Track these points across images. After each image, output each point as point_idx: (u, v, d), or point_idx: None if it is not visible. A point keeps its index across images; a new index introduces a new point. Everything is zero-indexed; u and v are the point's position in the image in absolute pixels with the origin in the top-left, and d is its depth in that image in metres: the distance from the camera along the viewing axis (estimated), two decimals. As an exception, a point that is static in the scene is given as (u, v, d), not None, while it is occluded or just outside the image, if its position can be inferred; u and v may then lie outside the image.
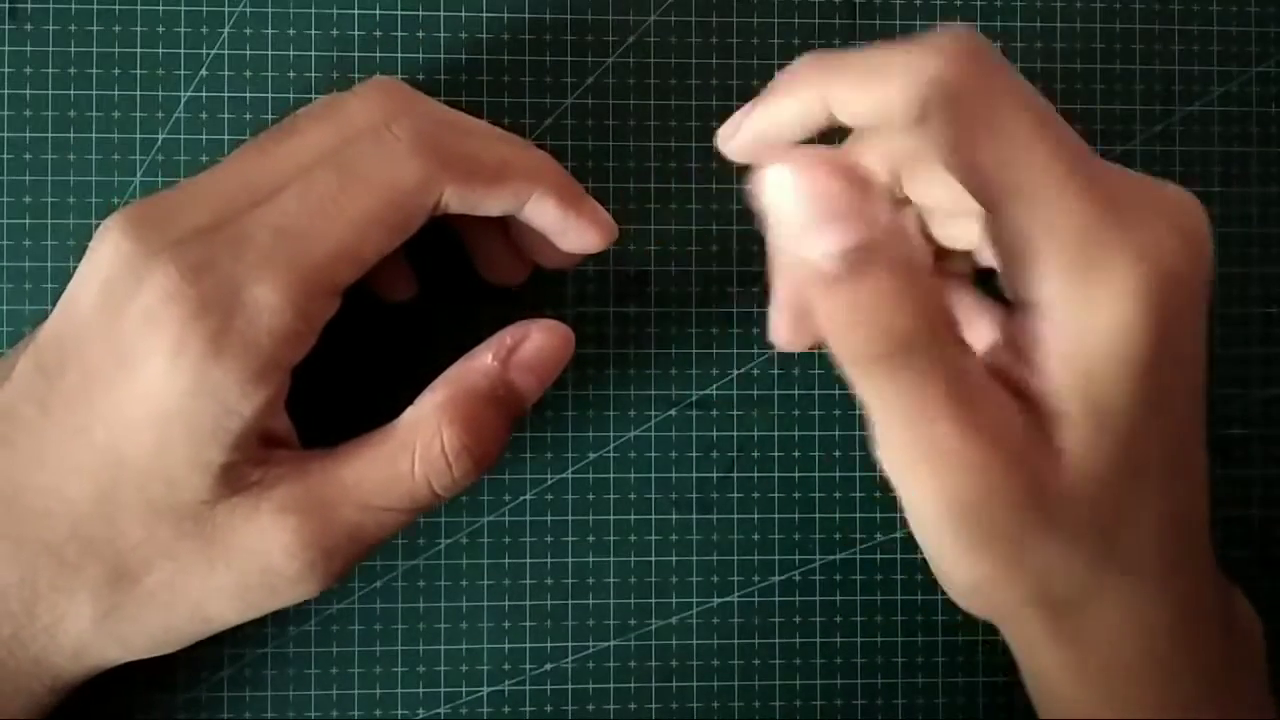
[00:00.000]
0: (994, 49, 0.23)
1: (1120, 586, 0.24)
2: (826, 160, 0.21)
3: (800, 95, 0.25)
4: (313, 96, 0.31)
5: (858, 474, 0.32)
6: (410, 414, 0.26)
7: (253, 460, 0.25)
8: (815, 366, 0.32)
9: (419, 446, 0.26)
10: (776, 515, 0.32)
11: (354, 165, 0.25)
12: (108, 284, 0.25)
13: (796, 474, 0.32)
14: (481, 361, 0.27)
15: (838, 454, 0.32)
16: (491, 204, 0.27)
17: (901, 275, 0.21)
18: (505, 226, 0.30)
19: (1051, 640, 0.25)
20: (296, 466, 0.26)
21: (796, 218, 0.21)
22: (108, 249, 0.25)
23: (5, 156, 0.31)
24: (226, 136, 0.31)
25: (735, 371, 0.32)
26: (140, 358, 0.24)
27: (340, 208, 0.25)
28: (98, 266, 0.25)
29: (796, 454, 0.32)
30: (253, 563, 0.25)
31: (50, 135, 0.31)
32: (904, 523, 0.26)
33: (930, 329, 0.22)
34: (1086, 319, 0.22)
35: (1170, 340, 0.22)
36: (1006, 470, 0.22)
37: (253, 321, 0.24)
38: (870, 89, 0.23)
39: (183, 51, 0.31)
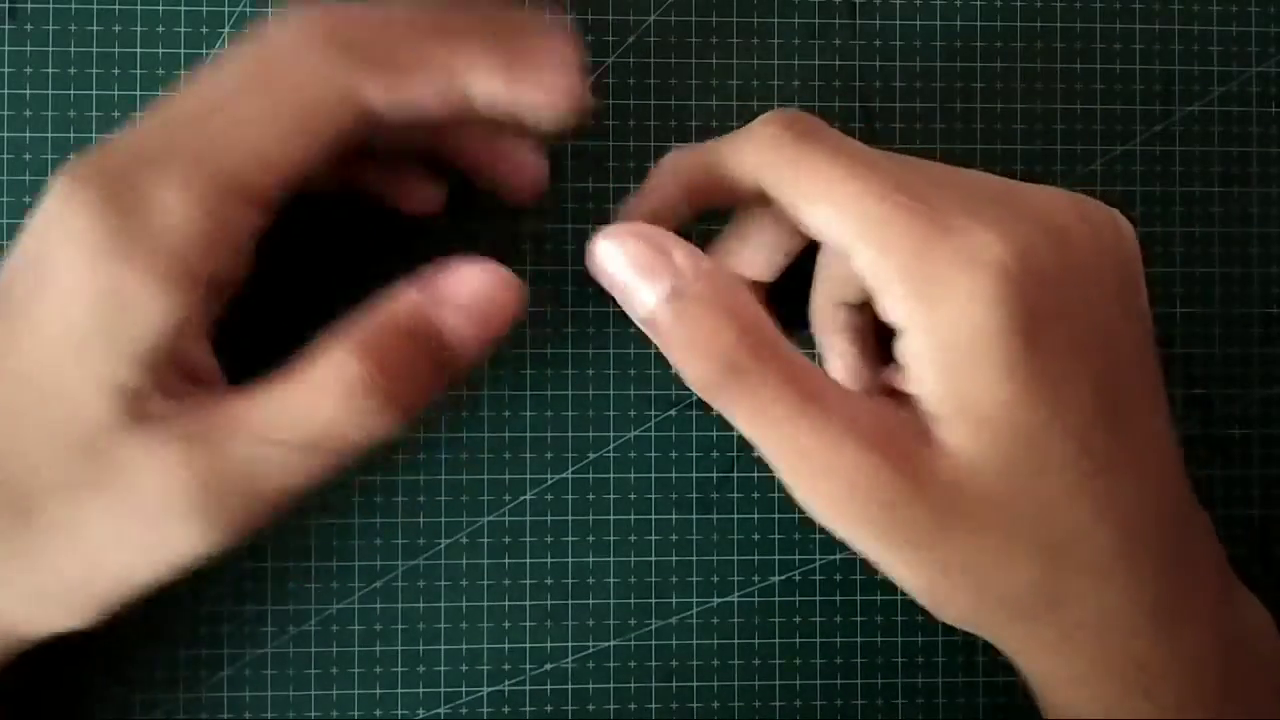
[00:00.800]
0: (807, 116, 0.25)
1: (1082, 586, 0.24)
2: (628, 229, 0.24)
3: (668, 192, 0.27)
4: (313, 96, 0.31)
5: (858, 474, 0.32)
6: (318, 349, 0.24)
7: (164, 389, 0.24)
8: (815, 366, 0.32)
9: (327, 380, 0.24)
10: (776, 515, 0.32)
11: (266, 74, 0.24)
12: (42, 214, 0.24)
13: (796, 474, 0.32)
14: (403, 294, 0.25)
15: (838, 454, 0.32)
16: (423, 93, 0.25)
17: (713, 308, 0.24)
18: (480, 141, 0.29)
19: (1029, 645, 0.25)
20: (203, 402, 0.24)
21: (616, 281, 0.25)
22: (51, 189, 0.24)
23: (5, 156, 0.31)
24: (226, 136, 0.31)
25: (735, 371, 0.32)
26: (54, 271, 0.24)
27: (250, 115, 0.24)
28: (41, 207, 0.24)
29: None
30: (143, 500, 0.24)
31: (50, 135, 0.31)
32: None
33: (752, 349, 0.24)
34: (939, 333, 0.23)
35: (1039, 334, 0.23)
36: (878, 467, 0.23)
37: (161, 221, 0.23)
38: (718, 183, 0.26)
39: (183, 51, 0.31)
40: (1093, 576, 0.24)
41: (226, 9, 0.31)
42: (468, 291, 0.25)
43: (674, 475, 0.32)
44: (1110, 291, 0.24)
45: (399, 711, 0.32)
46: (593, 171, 0.32)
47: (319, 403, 0.24)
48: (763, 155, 0.25)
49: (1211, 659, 0.25)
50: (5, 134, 0.31)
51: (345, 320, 0.24)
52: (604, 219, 0.32)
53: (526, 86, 0.25)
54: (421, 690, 0.32)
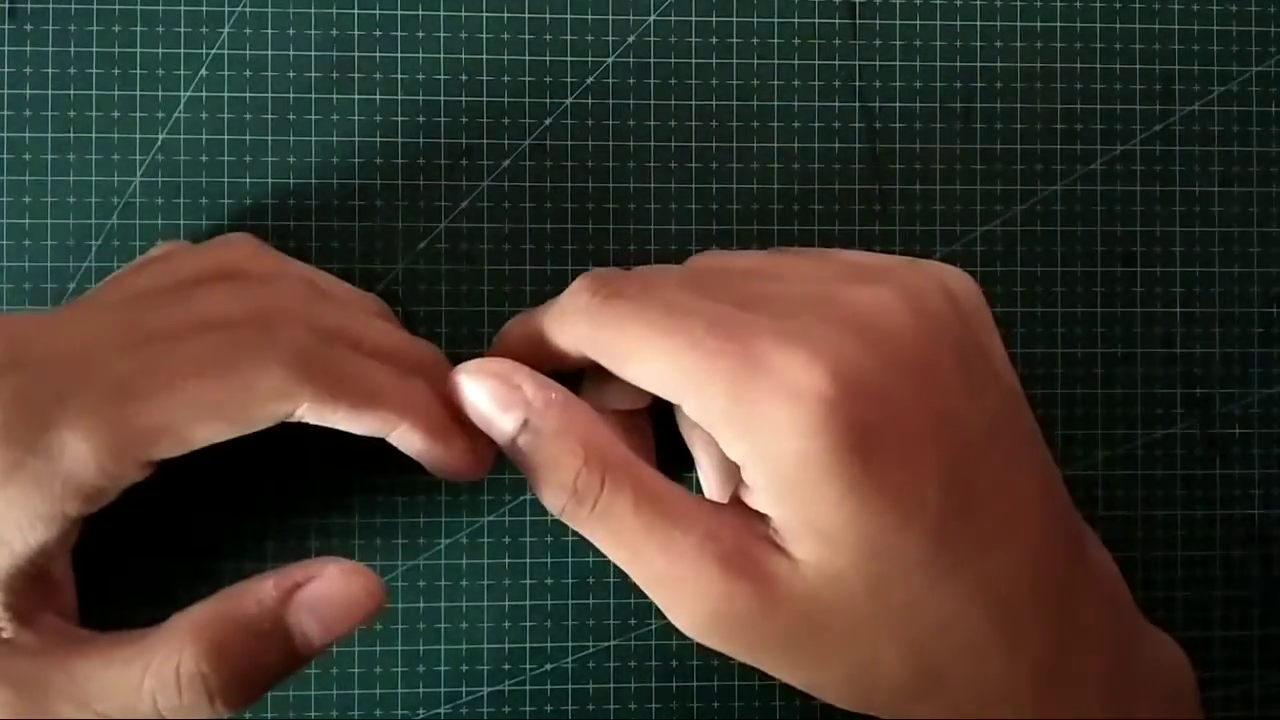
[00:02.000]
0: (614, 276, 0.27)
1: (962, 668, 0.24)
2: (485, 365, 0.26)
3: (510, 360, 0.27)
4: (312, 97, 0.31)
5: (858, 474, 0.32)
6: (170, 620, 0.24)
7: (15, 611, 0.24)
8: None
9: (156, 659, 0.23)
10: (776, 515, 0.32)
11: (219, 349, 0.25)
12: None
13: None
14: (260, 588, 0.24)
15: (838, 454, 0.32)
16: (354, 427, 0.26)
17: (560, 439, 0.25)
18: None
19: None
20: (44, 639, 0.24)
21: (476, 416, 0.26)
22: None
23: (5, 156, 0.31)
24: (226, 137, 0.31)
25: (735, 371, 0.32)
26: None
27: (186, 385, 0.24)
28: None
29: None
30: None
31: (50, 135, 0.31)
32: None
33: (599, 474, 0.24)
34: (771, 466, 0.23)
35: (871, 447, 0.23)
36: (733, 589, 0.24)
37: (52, 465, 0.23)
38: (550, 353, 0.27)
39: (183, 51, 0.31)
40: (970, 657, 0.24)
41: (226, 9, 0.31)
42: (324, 595, 0.24)
43: (673, 475, 0.32)
44: (947, 370, 0.24)
45: (399, 711, 0.32)
46: (592, 172, 0.32)
47: (153, 689, 0.23)
48: (578, 329, 0.26)
49: (1107, 714, 0.25)
50: (5, 134, 0.31)
51: (200, 600, 0.24)
52: (604, 219, 0.32)
53: (440, 449, 0.26)
54: (421, 690, 0.32)
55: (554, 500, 0.25)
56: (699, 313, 0.24)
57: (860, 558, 0.23)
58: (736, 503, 0.25)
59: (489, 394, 0.25)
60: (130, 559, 0.30)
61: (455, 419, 0.26)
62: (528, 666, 0.32)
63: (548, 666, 0.32)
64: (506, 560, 0.32)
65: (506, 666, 0.32)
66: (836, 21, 0.33)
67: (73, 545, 0.25)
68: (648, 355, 0.25)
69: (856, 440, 0.23)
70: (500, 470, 0.31)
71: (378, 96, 0.32)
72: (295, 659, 0.24)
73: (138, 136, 0.31)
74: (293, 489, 0.31)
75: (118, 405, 0.24)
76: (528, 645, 0.32)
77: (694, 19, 0.32)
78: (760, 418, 0.23)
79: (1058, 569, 0.25)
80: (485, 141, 0.32)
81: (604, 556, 0.32)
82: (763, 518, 0.24)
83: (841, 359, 0.23)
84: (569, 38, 0.32)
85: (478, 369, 0.26)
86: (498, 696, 0.32)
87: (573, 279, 0.32)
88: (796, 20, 0.33)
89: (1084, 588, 0.25)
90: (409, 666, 0.32)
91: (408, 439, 0.26)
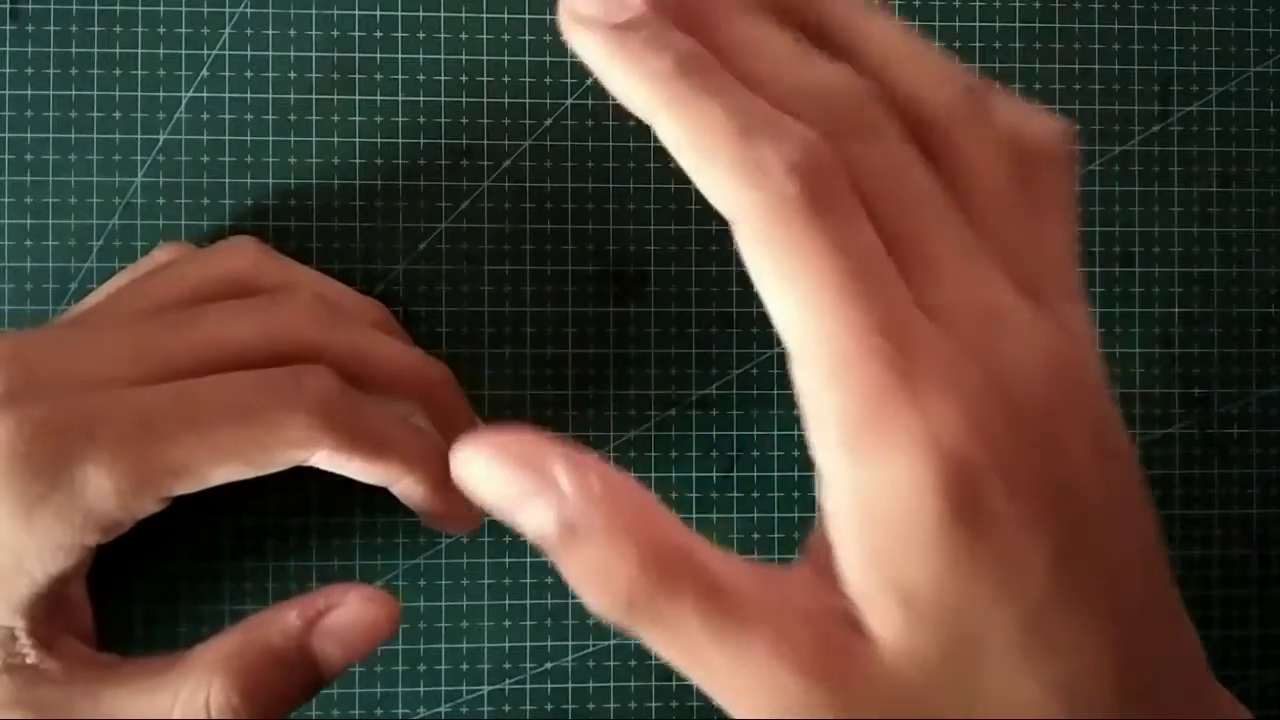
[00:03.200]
0: (833, 171, 0.21)
1: None
2: (500, 444, 0.21)
3: (636, 93, 0.23)
4: (313, 97, 0.31)
5: (857, 474, 0.32)
6: (197, 651, 0.25)
7: (35, 635, 0.24)
8: (815, 366, 0.32)
9: (185, 690, 0.24)
10: (776, 515, 0.32)
11: (246, 392, 0.25)
12: None
13: (796, 474, 0.32)
14: (285, 617, 0.25)
15: (837, 454, 0.32)
16: (363, 475, 0.26)
17: (608, 540, 0.21)
18: None
19: None
20: (67, 665, 0.25)
21: (491, 506, 0.21)
22: None
23: (6, 157, 0.31)
24: (227, 137, 0.31)
25: (735, 371, 0.32)
26: None
27: (211, 427, 0.24)
28: None
29: (796, 454, 0.32)
30: None
31: (51, 135, 0.31)
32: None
33: (657, 578, 0.21)
34: (867, 502, 0.20)
35: (989, 521, 0.20)
36: (809, 689, 0.21)
37: (75, 498, 0.23)
38: (693, 159, 0.22)
39: (183, 52, 0.31)
40: None
41: (227, 9, 0.31)
42: (347, 622, 0.25)
43: (674, 475, 0.32)
44: (1076, 439, 0.22)
45: (399, 711, 0.32)
46: (592, 172, 0.32)
47: (175, 715, 0.24)
48: (744, 228, 0.21)
49: None
50: (6, 134, 0.31)
51: (223, 631, 0.25)
52: (603, 219, 0.32)
53: (440, 505, 0.27)
54: (421, 690, 0.32)
55: (602, 609, 0.21)
56: (886, 293, 0.20)
57: (945, 637, 0.21)
58: (808, 567, 0.22)
59: (517, 482, 0.21)
60: (130, 559, 0.30)
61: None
62: (528, 666, 0.32)
63: (548, 666, 0.32)
64: (506, 560, 0.32)
65: (506, 666, 0.32)
66: (836, 22, 0.33)
67: (88, 569, 0.25)
68: (810, 302, 0.20)
69: (971, 508, 0.20)
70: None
71: (378, 96, 0.32)
72: (319, 684, 0.25)
73: (139, 137, 0.31)
74: (293, 489, 0.31)
75: (142, 444, 0.24)
76: (528, 645, 0.32)
77: (694, 19, 0.32)
78: (884, 445, 0.20)
79: (1147, 658, 0.23)
80: (485, 141, 0.32)
81: (604, 556, 0.32)
82: (835, 585, 0.21)
83: (986, 420, 0.20)
84: (569, 38, 0.32)
85: (492, 449, 0.21)
86: (498, 696, 0.32)
87: (573, 279, 0.32)
88: (796, 21, 0.33)
89: (1169, 672, 0.24)
90: (409, 666, 0.32)
91: (410, 490, 0.27)
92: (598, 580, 0.21)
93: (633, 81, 0.22)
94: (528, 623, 0.32)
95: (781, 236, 0.20)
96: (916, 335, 0.21)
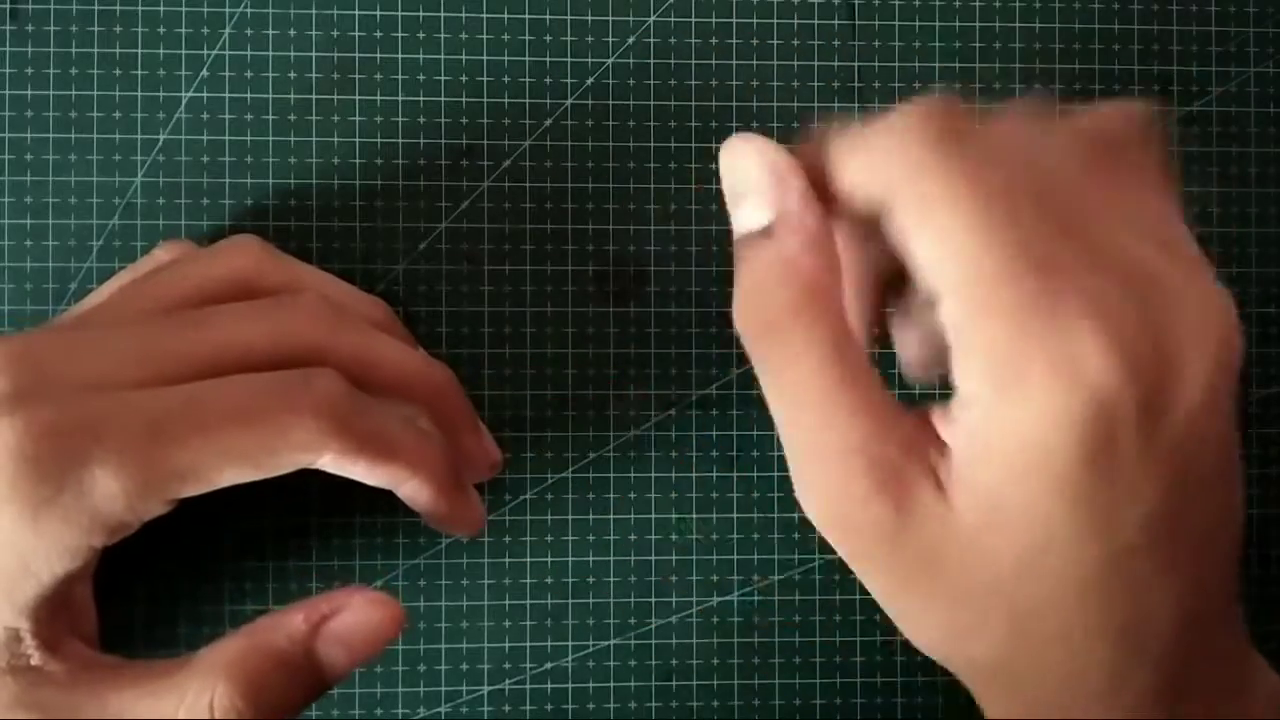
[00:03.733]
0: (962, 115, 0.22)
1: (1049, 678, 0.23)
2: (771, 147, 0.23)
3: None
4: (313, 97, 0.31)
5: (857, 474, 0.32)
6: (201, 654, 0.24)
7: (40, 637, 0.24)
8: (815, 366, 0.32)
9: (190, 693, 0.24)
10: (776, 515, 0.32)
11: (254, 395, 0.25)
12: None
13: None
14: (290, 621, 0.25)
15: (837, 454, 0.32)
16: (368, 478, 0.26)
17: (784, 263, 0.22)
18: None
19: (991, 702, 0.24)
20: (72, 667, 0.24)
21: (728, 186, 0.24)
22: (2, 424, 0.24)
23: (5, 157, 0.31)
24: (227, 137, 0.31)
25: (735, 371, 0.32)
26: None
27: (219, 430, 0.24)
28: None
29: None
30: None
31: (51, 135, 0.31)
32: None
33: (798, 315, 0.22)
34: (1001, 427, 0.21)
35: (1108, 467, 0.21)
36: (870, 496, 0.22)
37: (82, 500, 0.23)
38: (848, 170, 0.23)
39: (183, 52, 0.31)
40: (1069, 674, 0.23)
41: (227, 9, 0.31)
42: (352, 626, 0.25)
43: (674, 475, 0.32)
44: (1221, 417, 0.22)
45: (399, 711, 0.32)
46: (592, 172, 0.32)
47: (180, 718, 0.24)
48: (897, 158, 0.22)
49: None
50: (5, 134, 0.31)
51: (227, 634, 0.25)
52: (603, 219, 0.32)
53: (444, 507, 0.27)
54: (421, 690, 0.32)
55: (747, 321, 0.23)
56: (1031, 222, 0.21)
57: (1021, 547, 0.21)
58: (925, 417, 0.23)
59: (757, 177, 0.23)
60: (131, 560, 0.30)
61: (461, 479, 0.27)
62: (528, 666, 0.32)
63: (548, 666, 0.32)
64: (506, 560, 0.32)
65: (506, 666, 0.32)
66: (836, 22, 0.33)
67: (93, 571, 0.25)
68: (953, 235, 0.21)
69: (1097, 451, 0.21)
70: (500, 470, 0.31)
71: (378, 96, 0.32)
72: (323, 688, 0.25)
73: (139, 137, 0.31)
74: (293, 488, 0.31)
75: (149, 446, 0.24)
76: (528, 645, 0.32)
77: (694, 19, 0.32)
78: (1022, 375, 0.20)
79: (1201, 617, 0.23)
80: (485, 141, 0.32)
81: (604, 556, 0.32)
82: (941, 445, 0.22)
83: (1135, 364, 0.21)
84: (569, 38, 0.32)
85: (761, 146, 0.23)
86: (498, 696, 0.32)
87: (573, 279, 0.32)
88: (796, 20, 0.33)
89: (1218, 632, 0.24)
90: (409, 666, 0.32)
91: (416, 493, 0.27)
92: (759, 291, 0.23)
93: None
94: (528, 623, 0.32)
95: (928, 178, 0.21)
96: (1065, 263, 0.21)
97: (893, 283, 0.26)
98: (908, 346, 0.27)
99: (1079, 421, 0.20)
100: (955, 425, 0.22)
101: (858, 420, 0.22)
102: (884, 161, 0.22)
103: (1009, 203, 0.21)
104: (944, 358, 0.24)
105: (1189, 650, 0.23)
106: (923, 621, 0.24)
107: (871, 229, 0.23)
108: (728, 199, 0.24)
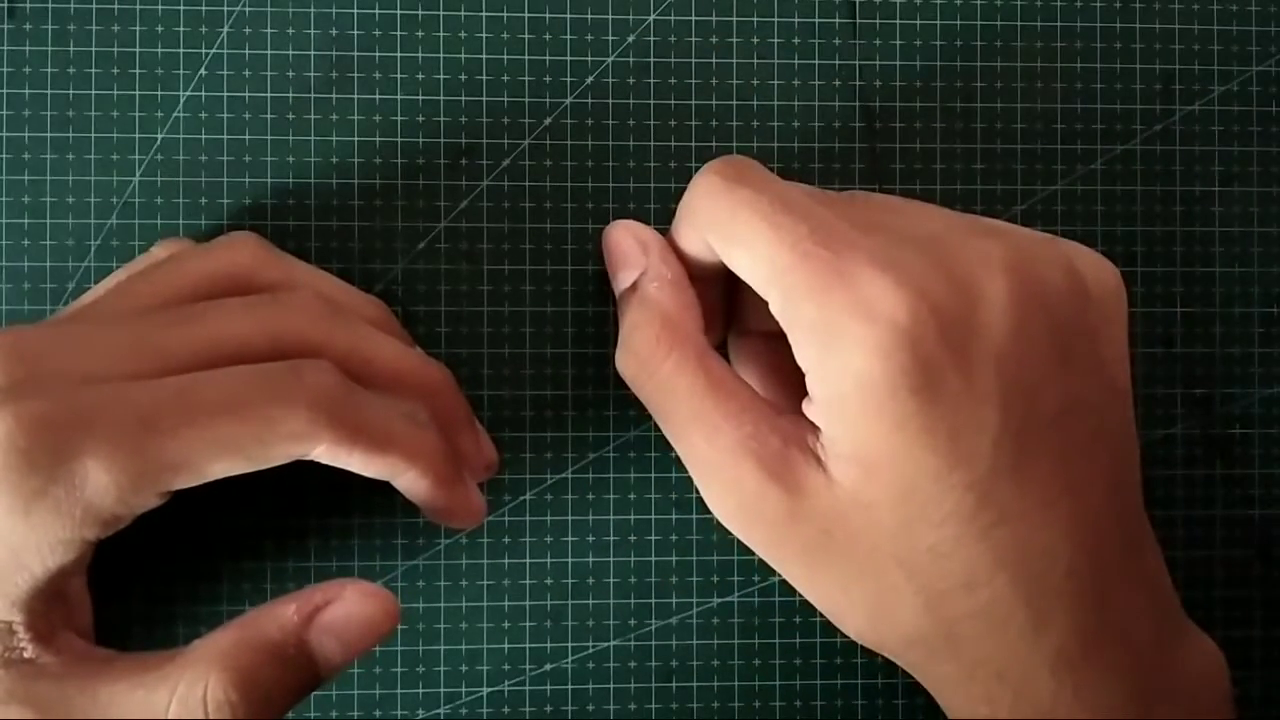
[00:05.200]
0: (741, 161, 0.27)
1: (977, 630, 0.25)
2: (634, 227, 0.29)
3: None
4: (312, 97, 0.31)
5: (858, 474, 0.32)
6: (194, 646, 0.24)
7: (33, 630, 0.24)
8: (815, 366, 0.32)
9: (181, 685, 0.24)
10: (776, 515, 0.32)
11: (246, 387, 0.25)
12: None
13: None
14: (282, 612, 0.24)
15: (838, 454, 0.32)
16: (364, 469, 0.26)
17: (651, 308, 0.27)
18: None
19: (928, 673, 0.26)
20: (65, 660, 0.24)
21: (608, 264, 0.29)
22: None
23: (5, 156, 0.31)
24: (226, 136, 0.31)
25: (735, 371, 0.32)
26: None
27: (211, 421, 0.24)
28: None
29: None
30: None
31: (49, 135, 0.31)
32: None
33: (668, 349, 0.26)
34: (832, 381, 0.24)
35: (933, 387, 0.24)
36: (765, 486, 0.25)
37: (74, 492, 0.23)
38: (680, 236, 0.28)
39: (182, 51, 0.31)
40: (989, 623, 0.24)
41: (226, 9, 0.31)
42: (344, 617, 0.25)
43: (674, 475, 0.32)
44: (1034, 340, 0.24)
45: (399, 711, 0.32)
46: (592, 172, 0.32)
47: (179, 714, 0.24)
48: (699, 213, 0.27)
49: (1128, 710, 0.25)
50: (5, 134, 0.31)
51: (220, 626, 0.24)
52: (603, 219, 0.32)
53: (443, 498, 0.27)
54: (421, 690, 0.32)
55: (623, 362, 0.27)
56: (809, 217, 0.25)
57: (895, 493, 0.24)
58: (795, 410, 0.26)
59: (624, 249, 0.28)
60: (129, 557, 0.30)
61: (459, 470, 0.28)
62: (528, 666, 0.32)
63: (548, 666, 0.32)
64: (506, 560, 0.32)
65: (506, 666, 0.32)
66: (836, 21, 0.33)
67: (88, 565, 0.25)
68: (751, 242, 0.25)
69: (919, 379, 0.23)
70: (500, 470, 0.31)
71: (378, 96, 0.32)
72: (316, 680, 0.24)
73: (137, 136, 0.31)
74: (292, 488, 0.31)
75: (141, 438, 0.24)
76: (528, 645, 0.32)
77: (694, 19, 0.32)
78: (835, 328, 0.24)
79: (1103, 562, 0.25)
80: (485, 141, 0.32)
81: (604, 557, 0.32)
82: (814, 429, 0.25)
83: (926, 296, 0.24)
84: (569, 38, 0.32)
85: (629, 226, 0.29)
86: (498, 696, 0.32)
87: (573, 279, 0.32)
88: (796, 20, 0.33)
89: (1127, 585, 0.25)
90: (409, 666, 0.32)
91: (413, 485, 0.27)
92: (629, 335, 0.27)
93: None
94: (527, 624, 0.32)
95: (714, 198, 0.26)
96: (851, 238, 0.25)
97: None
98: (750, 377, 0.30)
99: (890, 352, 0.23)
100: (813, 404, 0.25)
101: (737, 422, 0.25)
102: (697, 211, 0.27)
103: (791, 205, 0.25)
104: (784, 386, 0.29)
105: (1102, 594, 0.25)
106: (845, 606, 0.26)
107: (718, 272, 0.27)
108: (610, 274, 0.29)
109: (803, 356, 0.25)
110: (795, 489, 0.25)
